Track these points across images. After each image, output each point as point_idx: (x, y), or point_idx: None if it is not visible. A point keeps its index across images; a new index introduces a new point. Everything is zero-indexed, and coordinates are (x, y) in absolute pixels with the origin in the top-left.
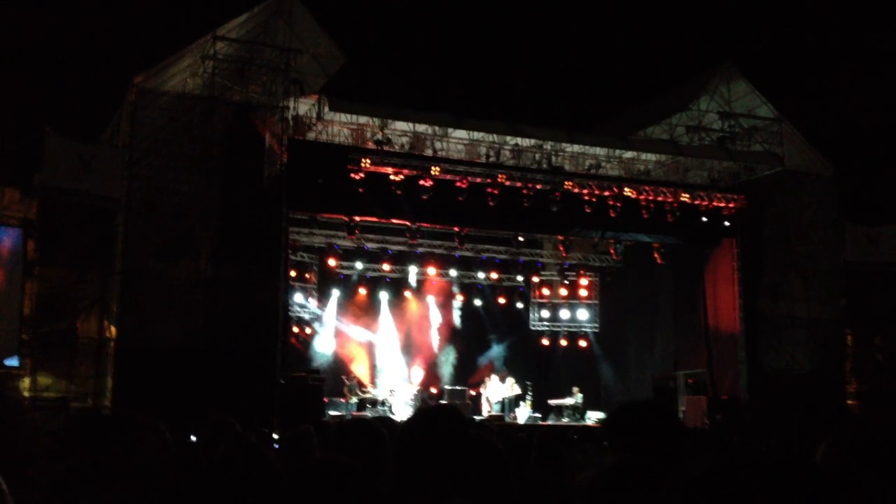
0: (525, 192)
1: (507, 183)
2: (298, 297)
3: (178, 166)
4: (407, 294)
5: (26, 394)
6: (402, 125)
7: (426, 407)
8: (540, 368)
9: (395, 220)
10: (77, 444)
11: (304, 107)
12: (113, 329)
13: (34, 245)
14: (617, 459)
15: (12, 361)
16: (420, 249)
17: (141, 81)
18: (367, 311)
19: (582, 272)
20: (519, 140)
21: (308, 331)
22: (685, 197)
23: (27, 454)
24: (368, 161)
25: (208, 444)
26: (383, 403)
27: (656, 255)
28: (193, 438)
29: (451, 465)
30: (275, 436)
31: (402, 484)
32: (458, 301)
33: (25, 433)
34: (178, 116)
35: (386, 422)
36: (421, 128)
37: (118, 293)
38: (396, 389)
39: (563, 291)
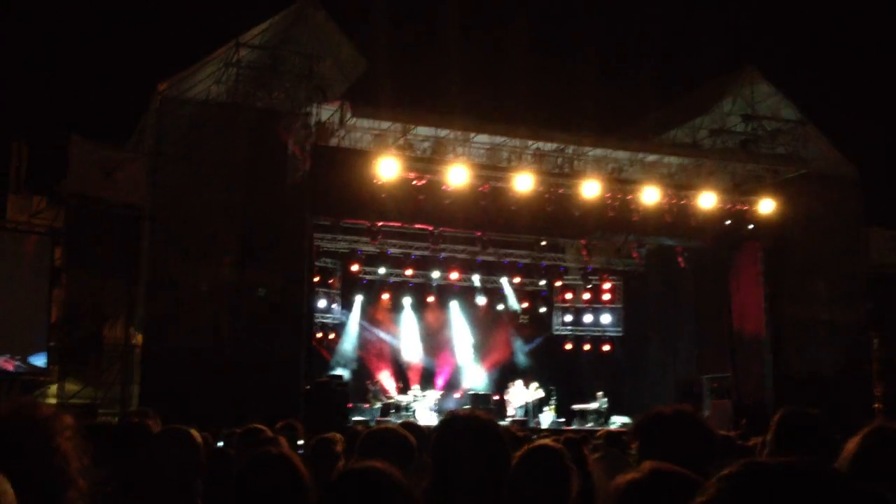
0: (547, 196)
1: (530, 187)
2: (322, 303)
3: (202, 173)
4: (430, 299)
5: (53, 400)
6: (424, 130)
7: (457, 413)
8: (563, 373)
9: (417, 225)
10: (108, 455)
11: (326, 113)
12: (139, 335)
13: (61, 252)
14: (652, 465)
15: (39, 360)
16: (443, 254)
17: (165, 89)
18: (391, 316)
19: (605, 276)
20: (541, 144)
21: (332, 336)
22: (708, 200)
23: (65, 477)
24: (391, 166)
25: (237, 451)
26: (407, 408)
27: (680, 259)
28: (220, 444)
29: (486, 470)
30: (300, 441)
31: (436, 488)
32: (481, 305)
33: (60, 455)
34: (202, 123)
35: (412, 428)
36: (443, 132)
37: (143, 300)
38: (420, 394)
39: (587, 295)
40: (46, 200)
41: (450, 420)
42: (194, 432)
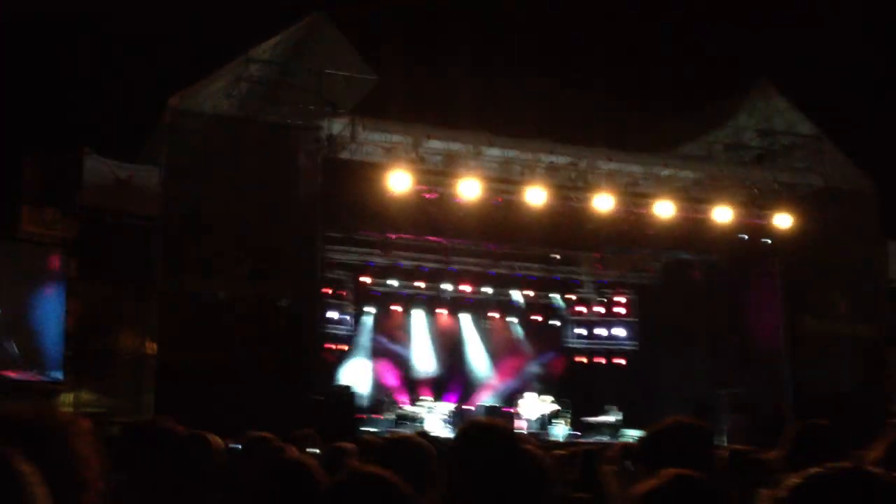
0: (560, 209)
1: (543, 200)
2: (333, 314)
3: (214, 185)
4: (441, 311)
5: (68, 409)
6: (435, 143)
7: (476, 421)
8: (576, 386)
9: (429, 238)
10: (129, 459)
11: (337, 126)
12: (153, 345)
13: (76, 263)
14: (673, 472)
15: (58, 374)
16: (454, 267)
17: (176, 103)
18: (402, 328)
19: (619, 289)
20: (554, 157)
21: (343, 347)
22: (724, 214)
23: (82, 481)
24: (403, 179)
25: (248, 459)
26: (419, 420)
27: (695, 273)
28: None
29: (504, 480)
30: (316, 451)
31: (454, 497)
32: (493, 318)
33: (78, 459)
34: (213, 137)
35: (427, 438)
36: (455, 146)
37: (156, 311)
38: (432, 406)
39: (600, 309)
40: (60, 212)
41: (469, 427)
42: (216, 438)
